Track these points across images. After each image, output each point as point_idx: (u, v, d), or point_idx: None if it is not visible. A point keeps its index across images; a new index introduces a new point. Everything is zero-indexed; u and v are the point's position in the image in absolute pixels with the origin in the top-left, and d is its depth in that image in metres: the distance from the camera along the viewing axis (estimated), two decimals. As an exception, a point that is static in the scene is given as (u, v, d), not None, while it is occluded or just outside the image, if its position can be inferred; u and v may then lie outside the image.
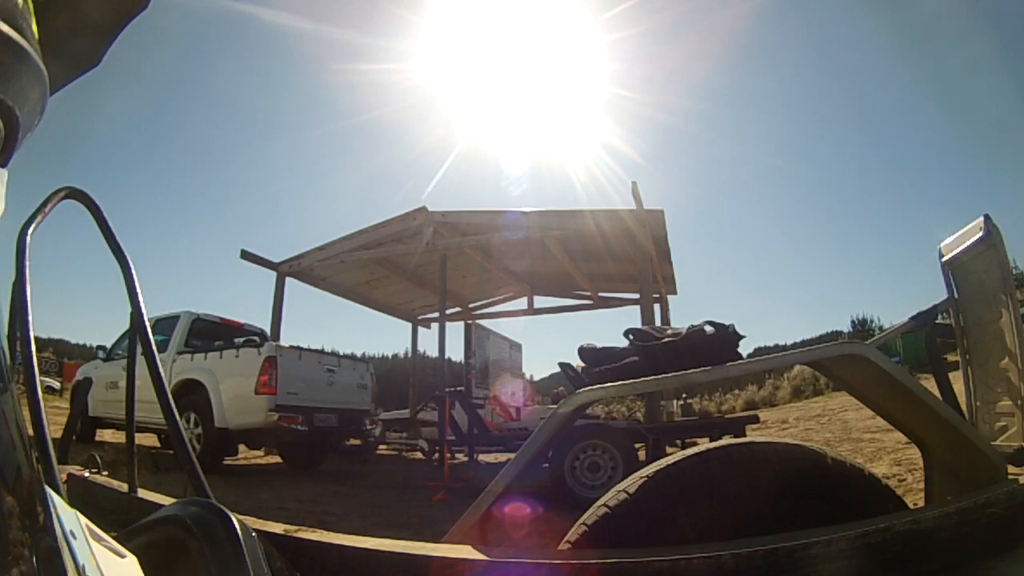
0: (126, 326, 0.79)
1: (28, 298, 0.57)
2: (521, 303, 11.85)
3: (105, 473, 1.65)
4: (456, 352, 11.81)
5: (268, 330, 8.38)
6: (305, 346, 6.76)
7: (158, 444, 7.37)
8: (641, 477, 1.16)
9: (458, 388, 7.18)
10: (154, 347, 0.72)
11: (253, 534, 0.47)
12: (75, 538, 0.37)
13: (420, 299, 11.32)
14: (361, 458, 8.30)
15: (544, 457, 4.70)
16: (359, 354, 19.65)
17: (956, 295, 1.98)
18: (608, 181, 9.02)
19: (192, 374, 6.37)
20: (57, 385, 16.32)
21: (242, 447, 6.87)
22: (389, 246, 8.65)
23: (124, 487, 1.34)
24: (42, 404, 0.57)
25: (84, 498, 1.46)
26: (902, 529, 0.98)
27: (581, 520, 1.17)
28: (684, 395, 11.45)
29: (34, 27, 0.32)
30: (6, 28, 0.28)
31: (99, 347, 7.81)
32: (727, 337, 1.60)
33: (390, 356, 34.01)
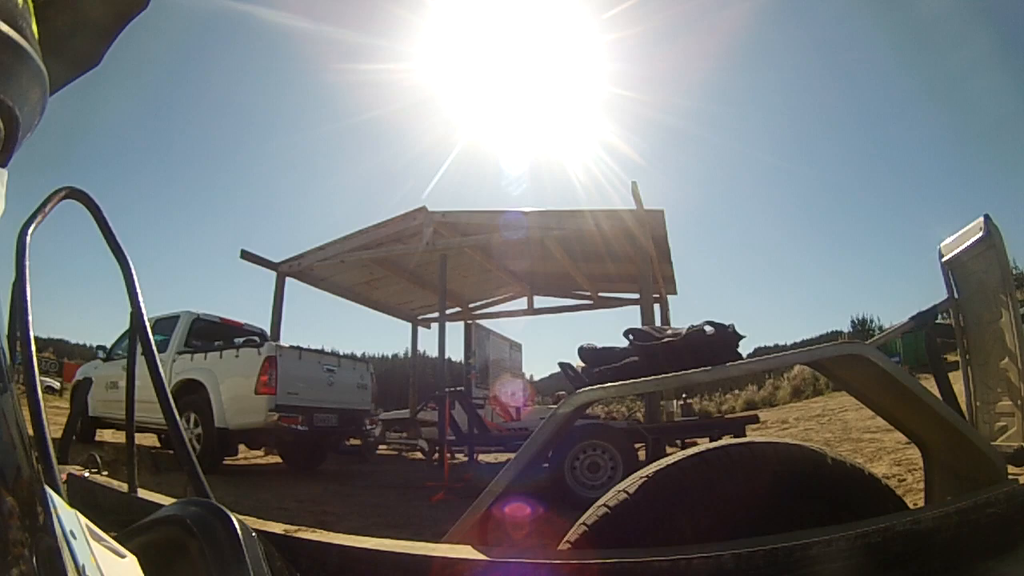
0: (126, 326, 0.79)
1: (28, 298, 0.57)
2: (521, 303, 11.85)
3: (105, 473, 1.65)
4: (456, 352, 11.84)
5: (268, 330, 8.38)
6: (305, 346, 6.76)
7: (158, 444, 7.38)
8: (641, 477, 1.16)
9: (458, 388, 7.17)
10: (154, 347, 0.72)
11: (253, 534, 0.47)
12: (75, 538, 0.37)
13: (420, 299, 11.32)
14: (361, 458, 8.30)
15: (544, 457, 4.70)
16: (359, 354, 19.68)
17: (956, 295, 1.97)
18: (608, 181, 9.01)
19: (192, 374, 6.37)
20: (57, 385, 16.32)
21: (242, 447, 6.87)
22: (389, 246, 8.65)
23: (124, 487, 1.34)
24: (42, 404, 0.57)
25: (84, 498, 1.46)
26: (902, 529, 0.98)
27: (581, 520, 1.17)
28: (684, 395, 11.44)
29: (34, 27, 0.32)
30: (6, 28, 0.28)
31: (99, 347, 7.80)
32: (727, 337, 1.60)
33: (390, 356, 34.09)
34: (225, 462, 6.53)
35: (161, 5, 0.49)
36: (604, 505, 1.15)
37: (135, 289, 0.71)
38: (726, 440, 1.61)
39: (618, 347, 1.75)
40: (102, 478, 1.59)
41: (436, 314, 9.19)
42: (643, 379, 1.50)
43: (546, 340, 44.99)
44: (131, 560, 0.43)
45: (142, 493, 1.30)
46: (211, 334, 7.11)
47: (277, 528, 1.19)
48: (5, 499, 0.26)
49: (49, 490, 0.34)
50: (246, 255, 8.72)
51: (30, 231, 0.61)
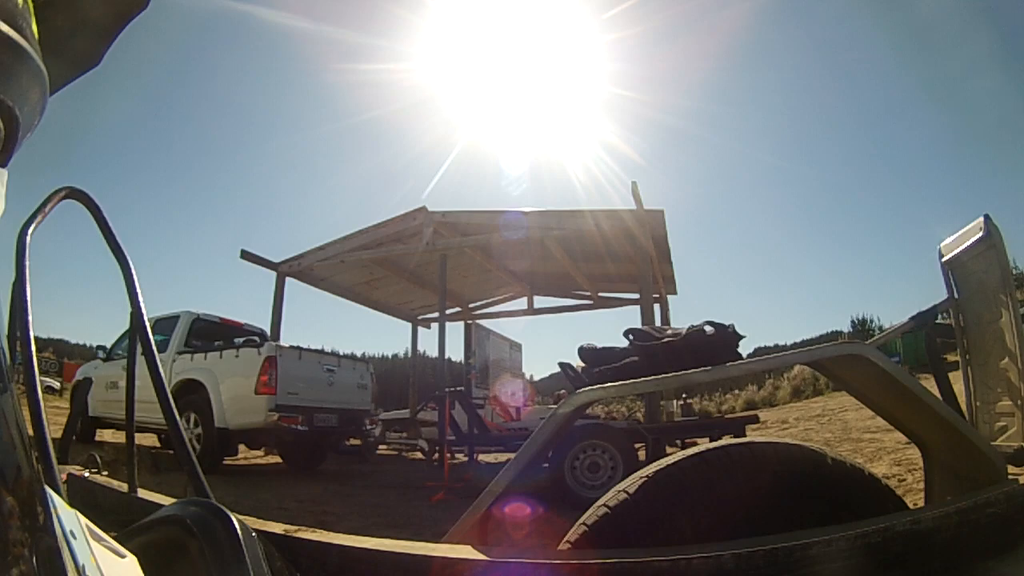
0: (126, 326, 0.79)
1: (28, 298, 0.57)
2: (521, 303, 11.85)
3: (105, 473, 1.65)
4: (456, 352, 11.83)
5: (268, 330, 8.38)
6: (305, 346, 6.76)
7: (158, 444, 7.38)
8: (641, 477, 1.16)
9: (458, 388, 7.17)
10: (154, 347, 0.72)
11: (253, 534, 0.47)
12: (75, 538, 0.37)
13: (420, 299, 11.32)
14: (361, 458, 8.30)
15: (544, 457, 4.70)
16: (359, 354, 19.70)
17: (956, 295, 1.97)
18: (608, 181, 9.01)
19: (192, 374, 6.37)
20: (57, 385, 16.32)
21: (242, 447, 6.87)
22: (389, 246, 8.65)
23: (124, 487, 1.35)
24: (42, 404, 0.57)
25: (84, 498, 1.46)
26: (902, 529, 0.98)
27: (581, 520, 1.17)
28: (684, 395, 11.44)
29: (34, 27, 0.32)
30: (6, 28, 0.28)
31: (99, 347, 7.80)
32: (727, 337, 1.60)
33: (390, 356, 34.12)
34: (225, 462, 6.53)
35: (161, 5, 0.49)
36: (604, 505, 1.15)
37: (135, 289, 0.71)
38: (726, 440, 1.61)
39: (618, 347, 1.75)
40: (102, 478, 1.59)
41: (436, 314, 9.19)
42: (643, 379, 1.50)
43: (546, 340, 45.13)
44: (131, 560, 0.43)
45: (142, 493, 1.30)
46: (211, 334, 7.11)
47: (277, 528, 1.19)
48: (5, 499, 0.26)
49: (49, 490, 0.34)
50: (246, 255, 8.73)
51: (30, 231, 0.61)
